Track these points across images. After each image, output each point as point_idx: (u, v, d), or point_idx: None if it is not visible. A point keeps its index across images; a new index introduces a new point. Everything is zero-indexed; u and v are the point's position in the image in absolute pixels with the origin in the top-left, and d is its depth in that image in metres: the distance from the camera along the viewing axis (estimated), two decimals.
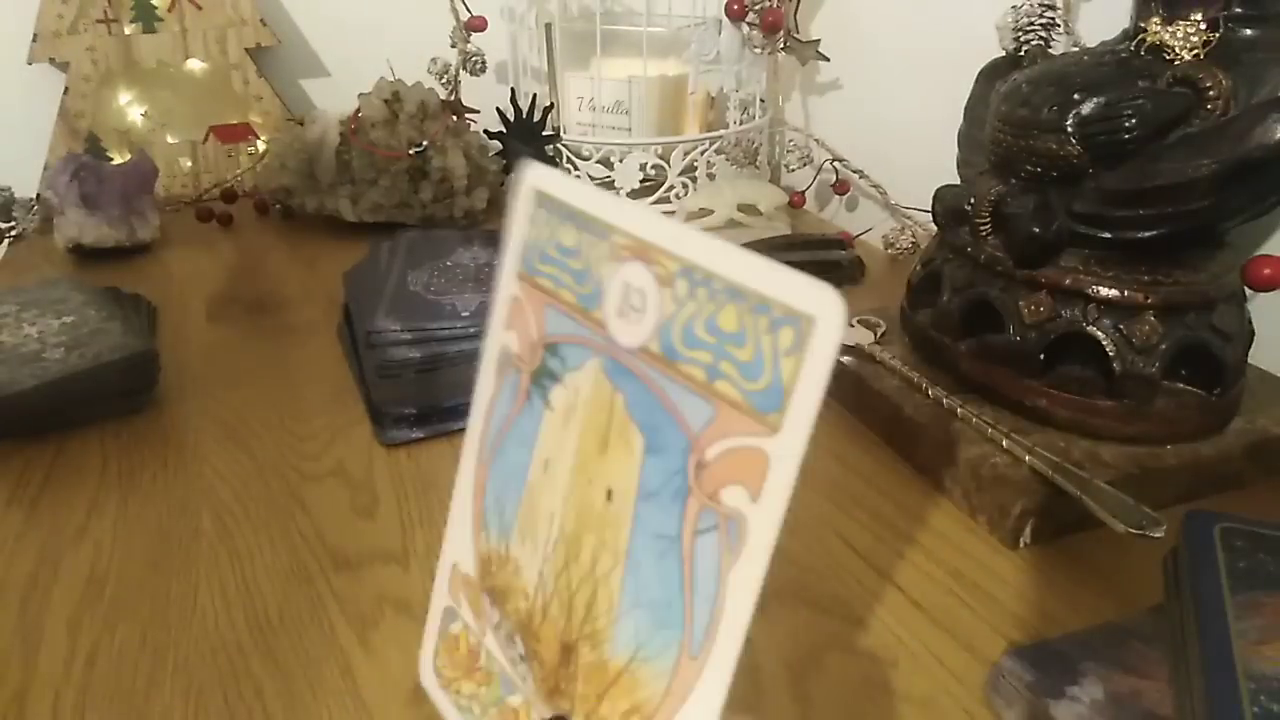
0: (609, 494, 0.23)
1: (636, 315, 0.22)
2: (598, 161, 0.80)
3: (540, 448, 0.25)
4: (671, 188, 0.80)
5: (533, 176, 0.26)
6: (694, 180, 0.80)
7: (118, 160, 0.83)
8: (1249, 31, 0.39)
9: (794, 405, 0.19)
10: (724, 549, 0.20)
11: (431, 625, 0.29)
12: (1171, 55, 0.40)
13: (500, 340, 0.27)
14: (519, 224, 0.26)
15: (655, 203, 0.80)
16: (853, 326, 0.52)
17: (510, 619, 0.26)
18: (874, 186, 0.76)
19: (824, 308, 0.18)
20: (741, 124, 0.82)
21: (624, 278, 0.23)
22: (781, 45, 0.79)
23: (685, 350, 0.21)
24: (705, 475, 0.20)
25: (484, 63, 0.82)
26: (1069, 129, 0.40)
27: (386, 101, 0.76)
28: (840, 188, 0.81)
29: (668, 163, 0.79)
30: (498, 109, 0.79)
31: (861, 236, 0.71)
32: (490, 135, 0.80)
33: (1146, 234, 0.39)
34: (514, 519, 0.26)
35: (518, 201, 0.26)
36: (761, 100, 0.84)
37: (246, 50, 0.85)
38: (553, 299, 0.25)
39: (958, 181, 0.48)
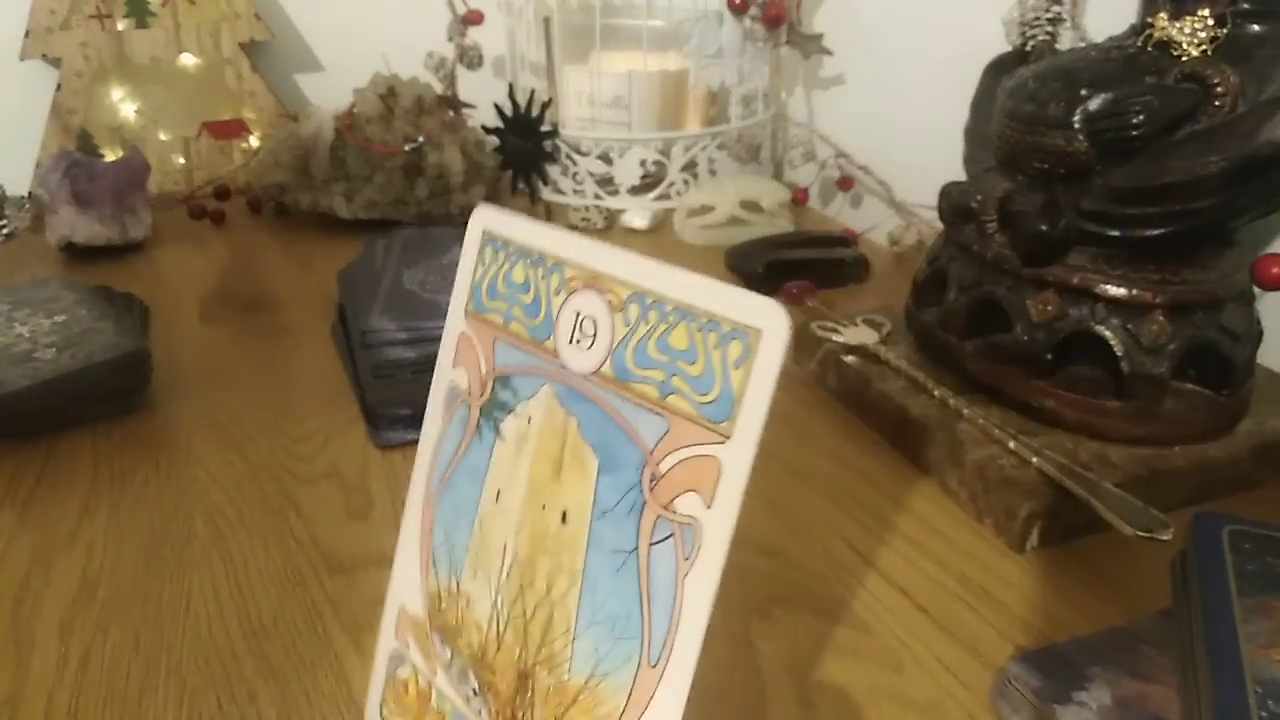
0: (564, 516, 0.24)
1: (588, 341, 0.24)
2: (597, 157, 0.79)
3: (492, 478, 0.26)
4: (672, 184, 0.79)
5: (480, 217, 0.27)
6: (695, 176, 0.80)
7: (110, 157, 0.82)
8: (1256, 27, 0.38)
9: (744, 413, 0.20)
10: (680, 555, 0.21)
11: (378, 672, 0.29)
12: (1179, 51, 0.39)
13: (448, 378, 0.28)
14: (467, 264, 0.27)
15: (656, 199, 0.79)
16: (857, 325, 0.51)
17: (463, 654, 0.26)
18: (879, 183, 0.75)
19: (770, 320, 0.20)
20: (743, 119, 0.81)
21: (575, 307, 0.24)
22: (784, 39, 0.78)
23: (638, 370, 0.22)
24: (660, 486, 0.21)
25: (481, 57, 0.82)
26: (1076, 125, 0.40)
27: (382, 97, 0.75)
28: (844, 184, 0.80)
29: (668, 158, 0.79)
30: (495, 104, 0.78)
31: (866, 234, 0.71)
32: (488, 131, 0.79)
33: (1155, 232, 0.39)
34: (464, 553, 0.26)
35: (466, 243, 0.27)
36: (764, 95, 0.84)
37: (240, 45, 0.84)
38: (502, 333, 0.26)
39: (964, 178, 0.48)
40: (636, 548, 0.22)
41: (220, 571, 0.38)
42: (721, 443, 0.20)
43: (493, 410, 0.26)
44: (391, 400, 0.47)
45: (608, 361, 0.23)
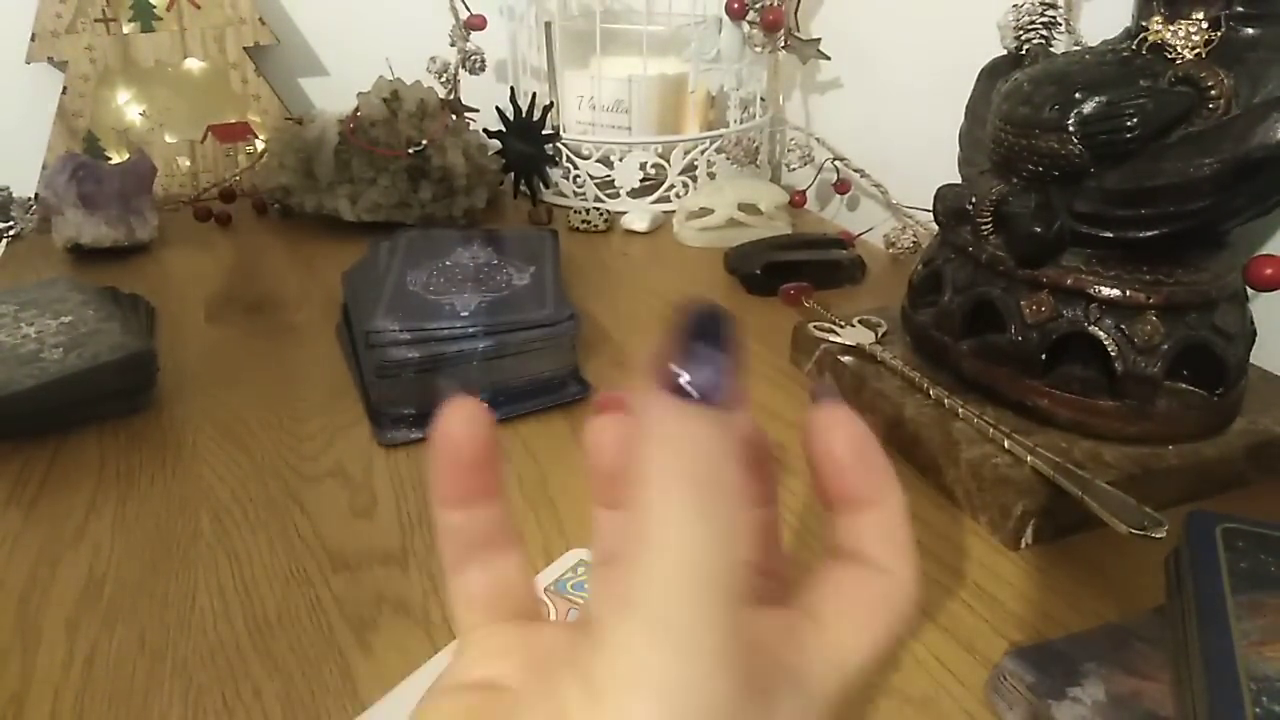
0: None
1: None
2: (597, 160, 0.80)
3: None
4: (672, 187, 0.80)
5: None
6: (694, 179, 0.80)
7: (116, 160, 0.83)
8: (1251, 30, 0.39)
9: None
10: None
11: None
12: (1173, 54, 0.39)
13: None
14: (555, 569, 0.36)
15: (656, 201, 0.80)
16: (854, 326, 0.52)
17: None
18: (875, 186, 0.76)
19: None
20: (742, 123, 0.82)
21: None
22: (782, 44, 0.79)
23: None
24: None
25: (483, 61, 0.82)
26: (1070, 128, 0.40)
27: (385, 100, 0.76)
28: (841, 187, 0.81)
29: (668, 162, 0.79)
30: (497, 108, 0.79)
31: (862, 236, 0.71)
32: (490, 134, 0.80)
33: (1148, 234, 0.39)
34: None
35: (555, 564, 0.37)
36: (762, 99, 0.84)
37: (245, 49, 0.84)
38: (581, 608, 0.34)
39: (959, 181, 0.48)
40: None
41: (225, 569, 0.38)
42: None
43: None
44: (395, 400, 0.47)
45: None
